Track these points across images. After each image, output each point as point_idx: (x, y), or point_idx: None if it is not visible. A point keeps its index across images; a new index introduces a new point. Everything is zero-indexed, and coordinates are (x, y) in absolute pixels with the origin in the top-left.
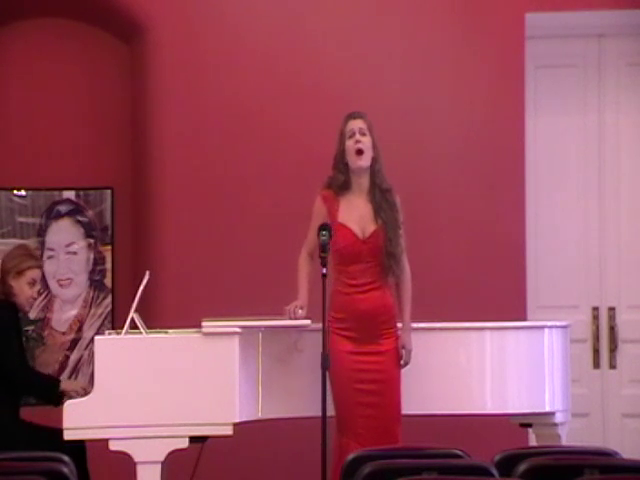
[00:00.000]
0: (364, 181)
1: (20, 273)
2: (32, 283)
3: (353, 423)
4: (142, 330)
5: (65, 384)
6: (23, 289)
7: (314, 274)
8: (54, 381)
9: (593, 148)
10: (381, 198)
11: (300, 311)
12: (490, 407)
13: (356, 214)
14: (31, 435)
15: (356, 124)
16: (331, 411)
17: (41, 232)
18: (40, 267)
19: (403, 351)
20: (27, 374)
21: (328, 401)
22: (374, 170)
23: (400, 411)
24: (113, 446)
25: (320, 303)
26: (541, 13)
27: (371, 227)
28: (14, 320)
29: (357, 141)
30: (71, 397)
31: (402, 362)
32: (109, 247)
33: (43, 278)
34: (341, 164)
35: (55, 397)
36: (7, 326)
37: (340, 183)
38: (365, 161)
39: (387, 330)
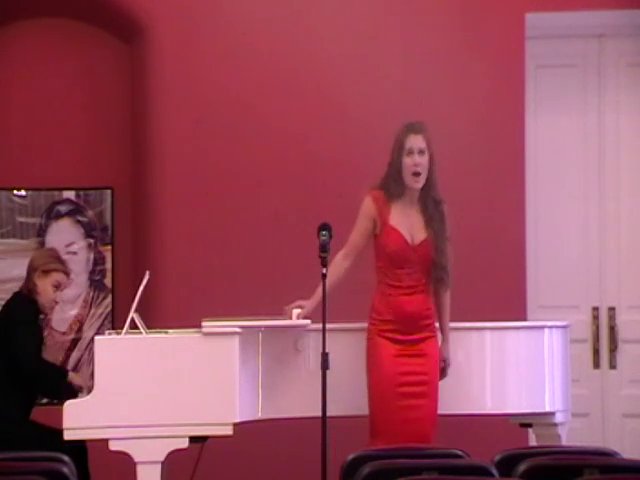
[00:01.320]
0: (417, 192)
1: (46, 273)
2: (56, 286)
3: (390, 427)
4: (142, 330)
5: (72, 377)
6: (47, 290)
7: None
8: (61, 374)
9: (593, 148)
10: (434, 209)
11: (296, 311)
12: (490, 407)
13: (407, 221)
14: (33, 435)
15: (416, 143)
16: (331, 411)
17: (41, 232)
18: (67, 273)
19: (443, 364)
20: (38, 366)
21: (328, 401)
22: (429, 182)
23: (437, 414)
24: (113, 446)
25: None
26: (541, 13)
27: (421, 235)
28: (33, 315)
29: (416, 164)
30: (76, 393)
31: (443, 375)
32: (109, 247)
33: None
34: (397, 175)
35: (60, 391)
36: (28, 320)
37: (396, 192)
38: (421, 183)
39: (429, 333)
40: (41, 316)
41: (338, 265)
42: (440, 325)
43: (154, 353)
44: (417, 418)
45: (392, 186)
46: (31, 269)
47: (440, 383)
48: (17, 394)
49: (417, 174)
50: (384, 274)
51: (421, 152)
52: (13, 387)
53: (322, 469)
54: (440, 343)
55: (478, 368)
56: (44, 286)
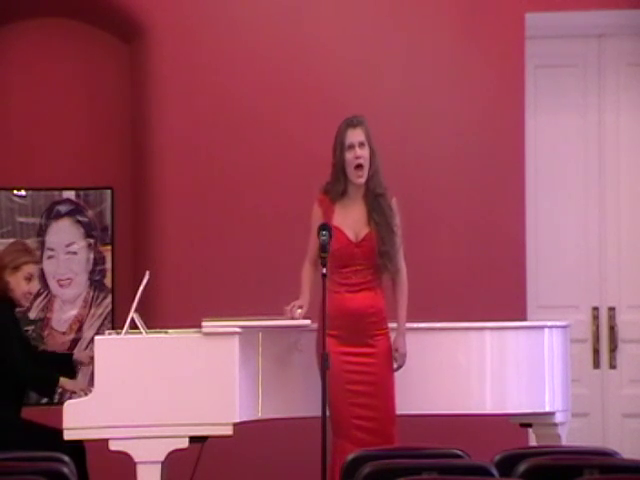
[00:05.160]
0: (360, 187)
1: (16, 268)
2: (29, 278)
3: (347, 424)
4: (142, 330)
5: (64, 382)
6: (20, 284)
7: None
8: (53, 379)
9: (593, 148)
10: (374, 201)
11: (299, 310)
12: (490, 407)
13: (351, 218)
14: (31, 435)
15: (355, 137)
16: None
17: (41, 232)
18: (37, 263)
19: (396, 354)
20: (29, 371)
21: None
22: (369, 175)
23: (394, 412)
24: (113, 446)
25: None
26: (541, 13)
27: (364, 230)
28: (12, 317)
29: (357, 157)
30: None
31: (395, 366)
32: (109, 247)
33: (43, 278)
34: (341, 173)
35: (53, 390)
36: (6, 323)
37: (339, 192)
38: (364, 176)
39: (378, 331)
40: (16, 309)
41: (310, 273)
42: (396, 315)
43: (154, 353)
44: (372, 417)
45: (335, 185)
46: (1, 268)
47: (440, 383)
48: (12, 393)
49: (359, 166)
50: (332, 272)
51: (361, 145)
52: (5, 387)
53: (322, 469)
54: (395, 335)
55: (478, 368)
56: (16, 281)
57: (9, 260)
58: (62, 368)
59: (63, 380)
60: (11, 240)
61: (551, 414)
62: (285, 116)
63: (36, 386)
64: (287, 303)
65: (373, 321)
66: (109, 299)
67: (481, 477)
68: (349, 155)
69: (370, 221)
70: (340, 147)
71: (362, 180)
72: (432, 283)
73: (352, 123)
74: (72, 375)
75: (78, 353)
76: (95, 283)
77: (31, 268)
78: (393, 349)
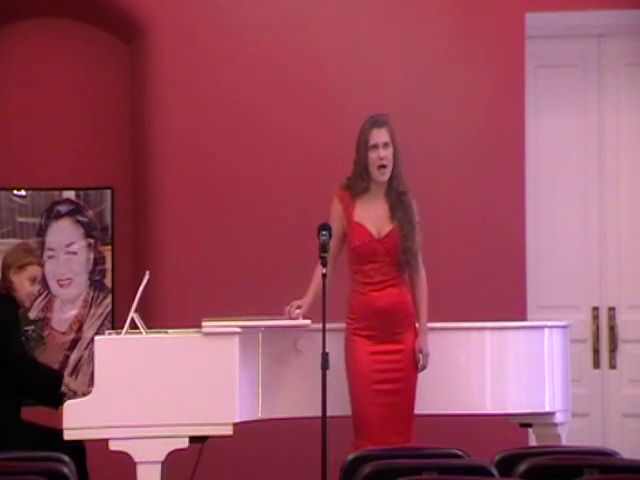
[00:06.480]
0: (382, 184)
1: (21, 268)
2: (33, 279)
3: (369, 424)
4: (142, 330)
5: (67, 382)
6: (24, 284)
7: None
8: (58, 375)
9: (593, 148)
10: (397, 199)
11: (297, 311)
12: (490, 407)
13: (373, 214)
14: (31, 435)
15: (380, 137)
16: (331, 411)
17: (41, 232)
18: (41, 265)
19: (420, 355)
20: (31, 368)
21: (328, 401)
22: (392, 173)
23: (414, 410)
24: (113, 446)
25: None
26: (541, 13)
27: (387, 227)
28: (15, 314)
29: (381, 158)
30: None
31: (419, 366)
32: (109, 247)
33: (43, 278)
34: (364, 171)
35: (57, 395)
36: (8, 321)
37: (362, 189)
38: (387, 175)
39: (406, 328)
40: (20, 310)
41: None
42: (416, 314)
43: (154, 353)
44: (394, 415)
45: (357, 183)
46: (5, 267)
47: (440, 383)
48: (11, 393)
49: (383, 167)
50: (355, 272)
51: (385, 145)
52: (5, 387)
53: (322, 469)
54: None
55: (478, 368)
56: (20, 281)
57: (14, 260)
58: (48, 390)
59: (67, 379)
60: (11, 240)
61: (551, 414)
62: (286, 115)
63: (39, 385)
64: (287, 303)
65: (401, 317)
66: (109, 299)
67: (481, 477)
68: (373, 155)
69: (393, 218)
70: (364, 146)
71: (385, 178)
72: (432, 283)
73: (377, 123)
74: (56, 403)
75: (69, 381)
76: (95, 283)
77: (35, 270)
78: (416, 350)
